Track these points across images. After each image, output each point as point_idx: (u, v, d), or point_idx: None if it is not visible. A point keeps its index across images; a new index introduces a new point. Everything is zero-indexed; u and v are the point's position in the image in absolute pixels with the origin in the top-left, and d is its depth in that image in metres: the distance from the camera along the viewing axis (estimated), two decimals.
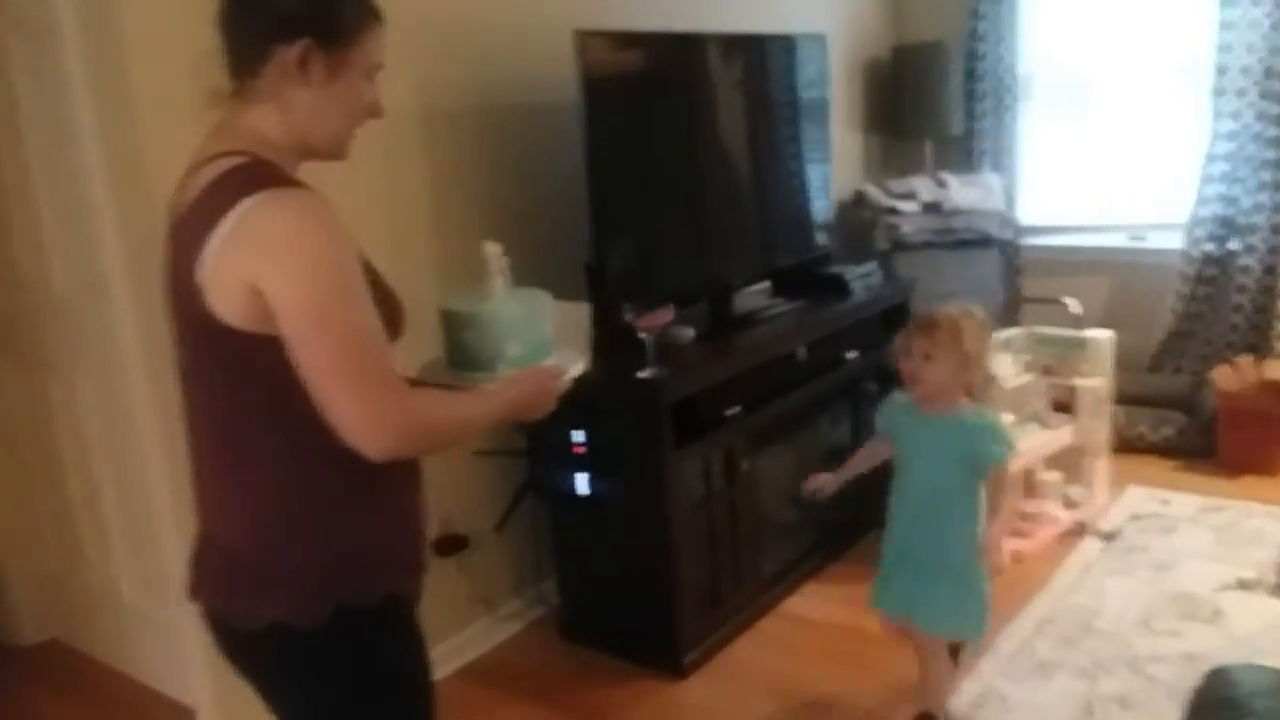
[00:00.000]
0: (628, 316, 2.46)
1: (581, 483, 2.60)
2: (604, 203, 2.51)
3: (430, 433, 1.26)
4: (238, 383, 1.21)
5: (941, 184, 3.90)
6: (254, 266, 1.14)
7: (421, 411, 1.24)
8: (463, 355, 1.42)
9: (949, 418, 2.12)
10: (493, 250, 1.47)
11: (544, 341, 1.46)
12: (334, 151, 1.33)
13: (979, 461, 2.09)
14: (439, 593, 2.64)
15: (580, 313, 2.54)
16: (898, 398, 2.23)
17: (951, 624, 2.20)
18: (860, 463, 2.35)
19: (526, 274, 2.65)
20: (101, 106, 2.08)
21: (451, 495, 2.64)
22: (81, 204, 2.27)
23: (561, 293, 2.56)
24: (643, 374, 2.44)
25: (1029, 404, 3.19)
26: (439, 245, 2.56)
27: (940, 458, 2.12)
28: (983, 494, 2.11)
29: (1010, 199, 4.01)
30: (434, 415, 1.26)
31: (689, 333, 2.71)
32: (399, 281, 2.41)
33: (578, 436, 2.57)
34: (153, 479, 2.31)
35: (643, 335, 2.46)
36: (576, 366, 1.46)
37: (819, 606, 2.86)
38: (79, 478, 2.74)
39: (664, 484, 2.47)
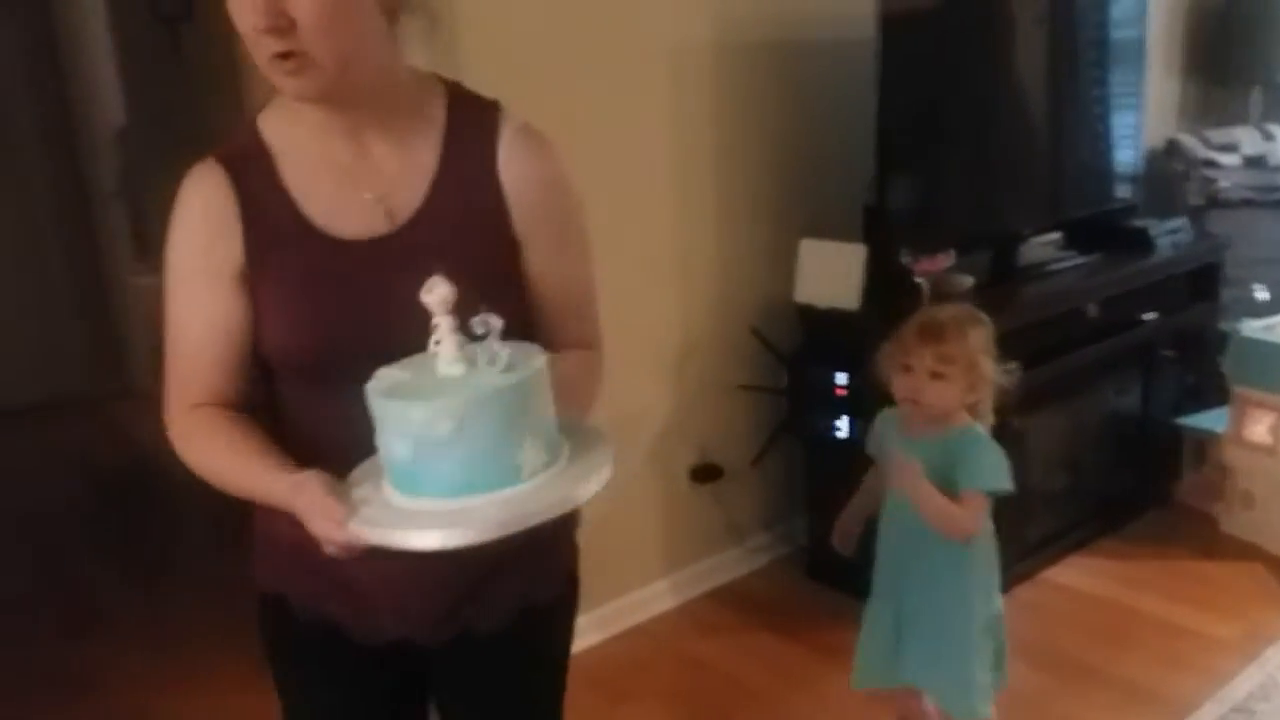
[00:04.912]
0: (905, 260, 2.39)
1: (842, 426, 2.58)
2: (891, 143, 2.44)
3: (186, 458, 1.09)
4: None
5: (1269, 136, 3.49)
6: None
7: (180, 439, 1.09)
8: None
9: (937, 437, 1.72)
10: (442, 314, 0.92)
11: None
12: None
13: (958, 483, 1.68)
14: (692, 518, 2.77)
15: (855, 254, 2.50)
16: (888, 413, 1.85)
17: (947, 692, 1.79)
18: (862, 502, 1.90)
19: (804, 213, 2.68)
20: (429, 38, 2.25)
21: (711, 425, 2.70)
22: None
23: (837, 233, 2.56)
24: None
25: None
26: (721, 180, 2.59)
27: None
28: (981, 545, 1.76)
29: None
30: (190, 450, 1.08)
31: (968, 280, 2.60)
32: (681, 213, 2.52)
33: (841, 379, 2.55)
34: None
35: (919, 280, 2.39)
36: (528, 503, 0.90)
37: (1085, 579, 2.70)
38: None
39: None
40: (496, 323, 0.91)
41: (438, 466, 0.88)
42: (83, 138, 4.38)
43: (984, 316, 1.78)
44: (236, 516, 1.20)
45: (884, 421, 1.88)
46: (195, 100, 3.31)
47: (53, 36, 4.24)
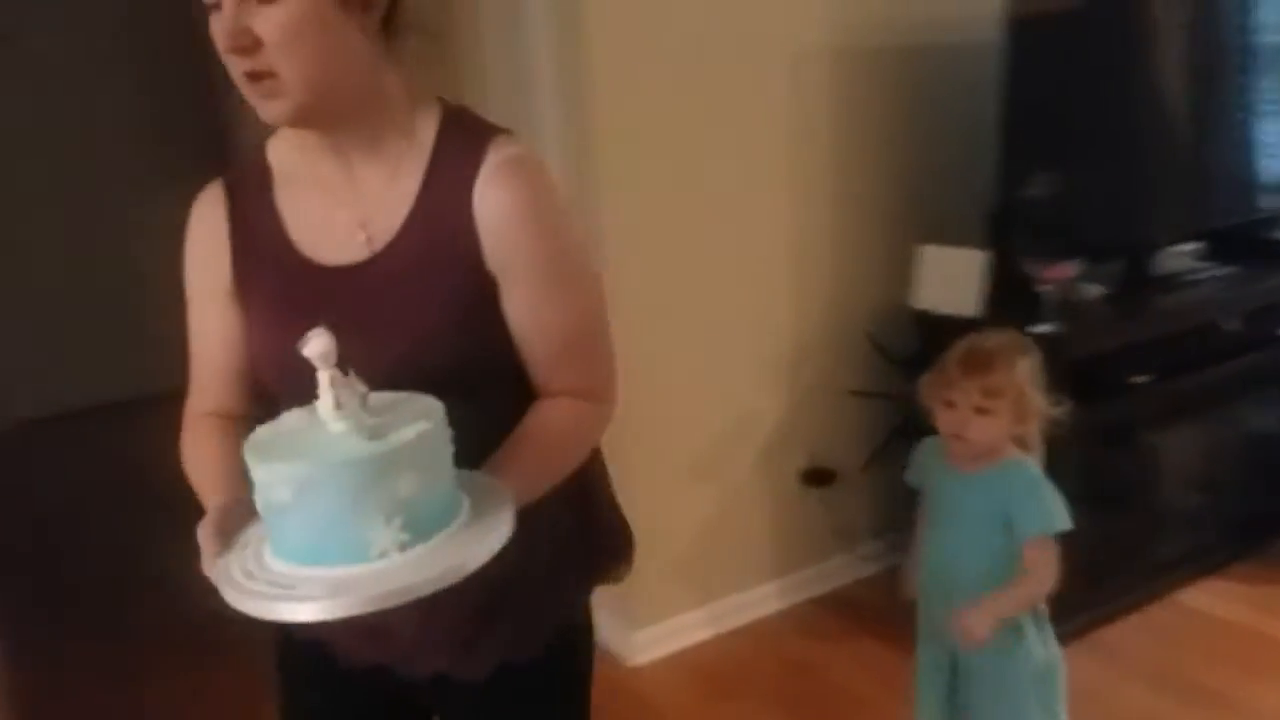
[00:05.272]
0: (1029, 268, 2.34)
1: None
2: (1016, 147, 2.40)
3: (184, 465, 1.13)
4: None
5: None
6: None
7: (183, 445, 1.13)
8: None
9: (986, 471, 1.65)
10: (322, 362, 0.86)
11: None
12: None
13: (1015, 526, 1.61)
14: (802, 522, 2.76)
15: (976, 261, 2.46)
16: (930, 442, 1.77)
17: None
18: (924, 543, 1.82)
19: (922, 218, 2.65)
20: (560, 42, 2.33)
21: (822, 429, 2.69)
22: (535, 123, 2.55)
23: (957, 239, 2.52)
24: (1037, 328, 2.32)
25: None
26: (839, 184, 2.59)
27: (975, 526, 1.65)
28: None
29: None
30: (185, 457, 1.12)
31: (1096, 290, 2.53)
32: (797, 217, 2.53)
33: None
34: None
35: (1042, 288, 2.34)
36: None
37: (1218, 603, 2.58)
38: None
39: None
40: (360, 388, 0.86)
41: (282, 529, 0.85)
42: (236, 142, 4.66)
43: (1031, 344, 1.68)
44: None
45: (926, 453, 1.79)
46: None
47: (209, 43, 4.53)
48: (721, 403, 2.54)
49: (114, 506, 3.70)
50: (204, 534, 0.91)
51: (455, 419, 0.90)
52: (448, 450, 0.88)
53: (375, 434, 0.83)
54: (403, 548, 0.83)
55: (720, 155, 2.40)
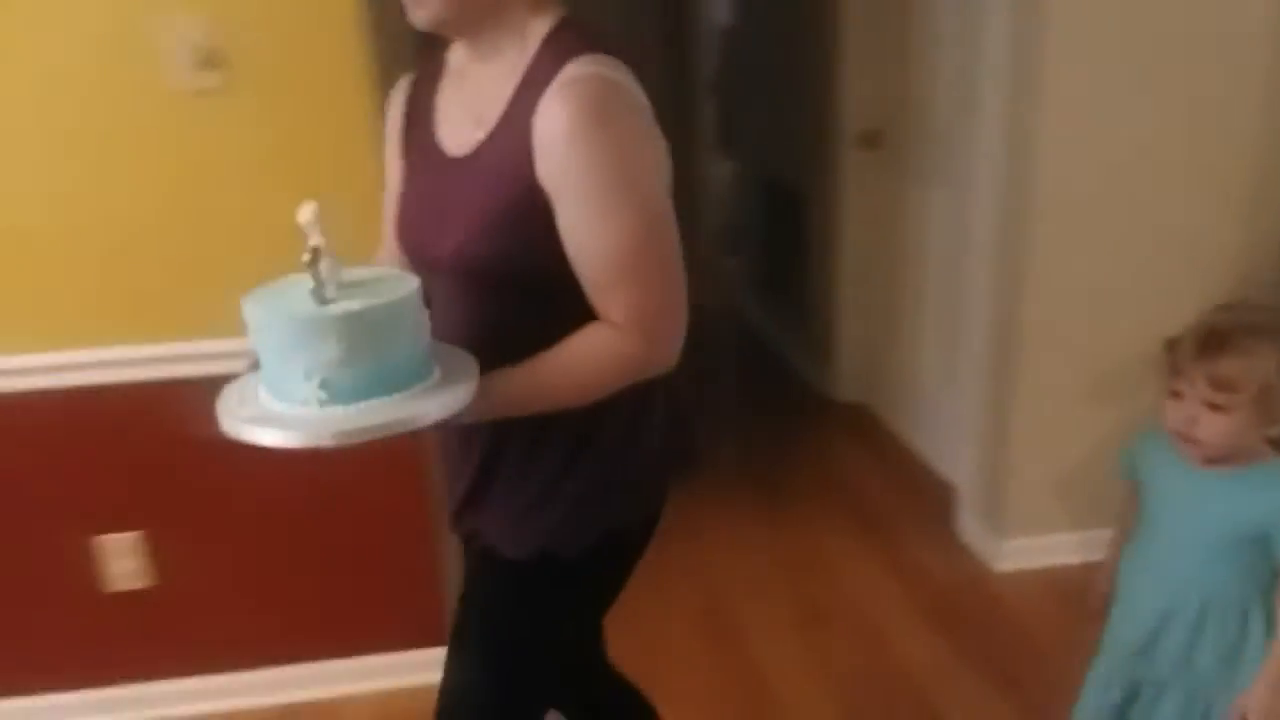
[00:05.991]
0: None
1: None
2: None
3: None
4: None
5: None
6: None
7: None
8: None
9: (1232, 473, 1.39)
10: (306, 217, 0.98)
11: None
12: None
13: (1272, 545, 1.34)
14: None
15: None
16: (1156, 434, 1.46)
17: None
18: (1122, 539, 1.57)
19: None
20: None
21: None
22: (975, 34, 2.53)
23: None
24: None
25: None
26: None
27: (1209, 536, 1.39)
28: (1264, 615, 1.39)
29: None
30: None
31: None
32: (1270, 135, 2.28)
33: None
34: (970, 289, 2.61)
35: None
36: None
37: None
38: (912, 273, 3.19)
39: None
40: (324, 256, 0.95)
41: (259, 362, 1.00)
42: (693, 35, 5.01)
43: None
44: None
45: (1150, 442, 1.52)
46: (799, 3, 3.63)
47: None
48: (1142, 326, 2.39)
49: None
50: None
51: (498, 314, 1.10)
52: (402, 330, 0.98)
53: (325, 301, 0.95)
54: (321, 404, 0.93)
55: (1188, 46, 2.21)
